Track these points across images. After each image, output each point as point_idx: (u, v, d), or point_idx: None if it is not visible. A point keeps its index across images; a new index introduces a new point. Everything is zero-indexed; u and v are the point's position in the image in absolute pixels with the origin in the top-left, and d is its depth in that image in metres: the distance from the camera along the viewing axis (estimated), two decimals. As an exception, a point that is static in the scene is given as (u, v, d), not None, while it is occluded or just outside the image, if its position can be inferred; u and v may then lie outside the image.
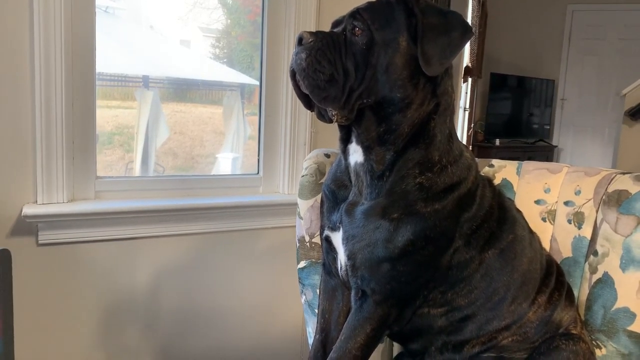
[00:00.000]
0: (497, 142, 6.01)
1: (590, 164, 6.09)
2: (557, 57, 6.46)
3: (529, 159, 5.63)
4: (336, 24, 0.98)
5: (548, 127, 6.60)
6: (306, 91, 0.92)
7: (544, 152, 6.36)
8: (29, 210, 1.46)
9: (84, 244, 1.59)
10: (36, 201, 1.51)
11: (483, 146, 5.90)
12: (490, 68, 6.12)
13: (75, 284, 1.61)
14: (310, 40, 0.90)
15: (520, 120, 6.44)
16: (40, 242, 1.52)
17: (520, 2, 6.37)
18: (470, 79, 5.34)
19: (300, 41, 0.91)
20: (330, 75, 0.89)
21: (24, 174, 1.49)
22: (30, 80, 1.46)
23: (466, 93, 5.46)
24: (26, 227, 1.50)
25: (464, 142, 3.90)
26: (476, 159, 1.08)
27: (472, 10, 5.04)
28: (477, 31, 5.19)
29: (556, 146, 6.56)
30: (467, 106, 5.48)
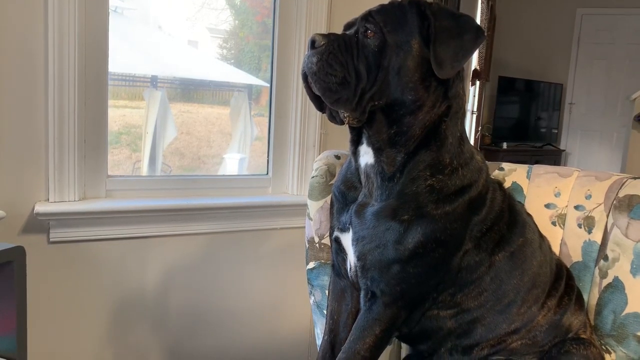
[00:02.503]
0: (505, 145, 5.98)
1: (598, 168, 6.04)
2: (566, 61, 6.43)
3: (537, 162, 5.58)
4: (348, 26, 0.98)
5: (556, 131, 6.56)
6: (318, 93, 0.92)
7: (552, 156, 6.32)
8: (40, 208, 1.48)
9: (95, 242, 1.60)
10: (48, 199, 1.52)
11: (490, 150, 5.86)
12: (498, 71, 6.09)
13: (86, 281, 1.62)
14: (323, 43, 0.90)
15: (528, 124, 6.41)
16: (51, 239, 1.54)
17: (529, 6, 6.35)
18: (478, 82, 5.33)
19: (312, 44, 0.91)
20: (342, 77, 0.89)
21: (37, 172, 1.51)
22: (44, 80, 1.48)
23: (474, 96, 5.45)
24: (38, 224, 1.52)
25: (472, 145, 3.88)
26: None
27: (481, 13, 5.04)
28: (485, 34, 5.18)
29: (564, 150, 6.53)
30: (475, 109, 5.47)
